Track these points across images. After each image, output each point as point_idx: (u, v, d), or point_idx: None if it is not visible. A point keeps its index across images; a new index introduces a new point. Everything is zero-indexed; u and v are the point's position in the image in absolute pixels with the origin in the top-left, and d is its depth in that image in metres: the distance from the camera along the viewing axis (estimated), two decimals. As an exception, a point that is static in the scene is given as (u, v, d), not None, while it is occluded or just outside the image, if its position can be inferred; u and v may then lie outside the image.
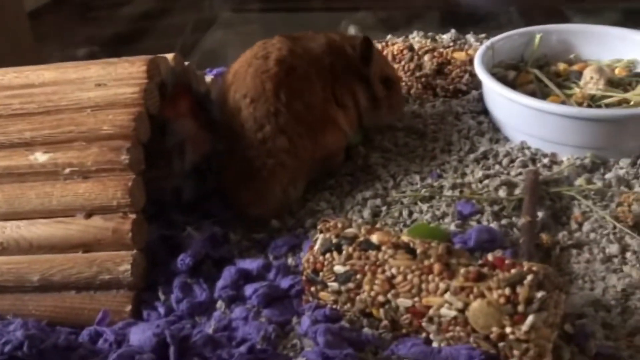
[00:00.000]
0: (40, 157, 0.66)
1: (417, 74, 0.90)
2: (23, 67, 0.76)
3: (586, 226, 0.65)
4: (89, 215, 0.64)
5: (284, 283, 0.61)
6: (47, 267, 0.63)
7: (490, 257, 0.51)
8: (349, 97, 0.77)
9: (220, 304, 0.61)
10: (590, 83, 0.82)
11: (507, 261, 0.50)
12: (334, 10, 1.40)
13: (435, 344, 0.52)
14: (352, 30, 0.83)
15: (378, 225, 0.69)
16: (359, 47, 0.78)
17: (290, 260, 0.66)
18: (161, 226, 0.70)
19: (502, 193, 0.70)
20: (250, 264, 0.64)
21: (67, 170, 0.65)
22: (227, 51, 1.29)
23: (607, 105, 0.78)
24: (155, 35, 1.43)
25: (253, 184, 0.70)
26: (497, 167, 0.75)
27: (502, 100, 0.77)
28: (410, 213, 0.70)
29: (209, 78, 0.90)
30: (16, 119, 0.69)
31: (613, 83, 0.83)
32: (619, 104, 0.78)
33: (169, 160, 0.74)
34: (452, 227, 0.66)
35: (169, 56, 0.77)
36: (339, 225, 0.58)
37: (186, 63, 0.81)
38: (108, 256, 0.63)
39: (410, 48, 0.92)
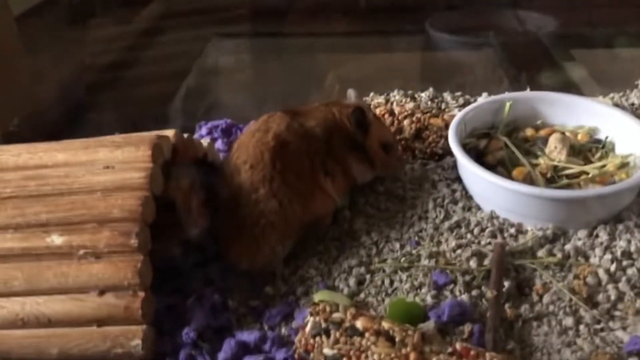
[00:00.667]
0: (56, 239, 0.72)
1: (398, 137, 0.98)
2: (36, 146, 0.83)
3: (546, 298, 0.73)
4: (102, 293, 0.71)
5: (279, 356, 0.69)
6: (65, 341, 0.70)
7: (457, 345, 0.60)
8: (339, 167, 0.86)
9: (222, 375, 0.69)
10: (554, 152, 0.90)
11: (472, 351, 0.58)
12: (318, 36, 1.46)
13: (411, 420, 0.60)
14: (351, 95, 0.91)
15: (363, 295, 0.77)
16: (352, 118, 0.87)
17: (283, 330, 0.74)
18: (166, 295, 0.77)
19: (472, 263, 0.78)
20: (248, 336, 0.71)
21: (81, 252, 0.72)
22: (217, 99, 1.36)
23: (568, 177, 0.86)
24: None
25: (245, 240, 0.79)
26: (469, 236, 0.83)
27: (472, 175, 0.85)
28: (392, 282, 0.78)
29: (205, 142, 0.97)
30: (32, 200, 0.75)
31: (575, 150, 0.91)
32: (579, 174, 0.87)
33: (173, 231, 0.80)
34: (428, 298, 0.74)
35: (170, 133, 0.84)
36: (327, 309, 0.65)
37: (185, 135, 0.89)
38: (120, 331, 0.70)
39: (391, 113, 1.00)
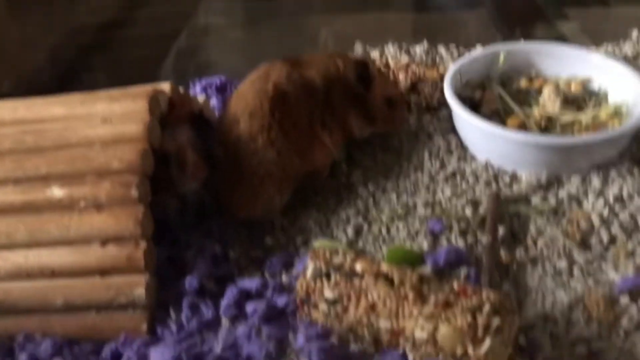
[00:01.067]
0: (57, 192, 0.73)
1: (392, 90, 0.98)
2: (33, 100, 0.83)
3: (540, 243, 0.75)
4: (104, 243, 0.72)
5: (280, 301, 0.70)
6: (69, 292, 0.71)
7: (455, 285, 0.61)
8: (337, 121, 0.86)
9: (225, 321, 0.70)
10: (548, 102, 0.91)
11: (469, 290, 0.60)
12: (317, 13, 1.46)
13: (410, 358, 0.62)
14: (358, 49, 0.91)
15: (361, 243, 0.78)
16: (356, 72, 0.86)
17: (284, 278, 0.75)
18: (167, 246, 0.78)
19: (468, 211, 0.79)
20: (250, 284, 0.73)
21: (82, 204, 0.72)
22: (212, 57, 1.35)
23: (562, 125, 0.87)
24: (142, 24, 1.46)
25: (243, 190, 0.80)
26: (464, 185, 0.84)
27: (467, 124, 0.85)
28: (388, 231, 0.79)
29: (200, 98, 0.97)
30: (31, 154, 0.76)
31: (568, 100, 0.92)
32: (572, 123, 0.88)
33: (171, 183, 0.81)
34: (425, 245, 0.76)
35: (166, 86, 0.84)
36: (327, 254, 0.67)
37: (180, 88, 0.89)
38: (123, 281, 0.71)
39: (386, 65, 1.00)
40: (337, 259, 0.66)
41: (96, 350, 0.69)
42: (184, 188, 0.81)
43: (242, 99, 0.82)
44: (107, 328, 0.71)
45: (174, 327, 0.70)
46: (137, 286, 0.71)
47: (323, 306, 0.65)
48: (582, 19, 1.33)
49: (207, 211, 0.84)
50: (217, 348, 0.65)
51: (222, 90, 1.12)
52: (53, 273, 0.72)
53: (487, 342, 0.56)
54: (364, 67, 0.87)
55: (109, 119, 0.77)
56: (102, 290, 0.71)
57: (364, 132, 0.90)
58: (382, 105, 0.89)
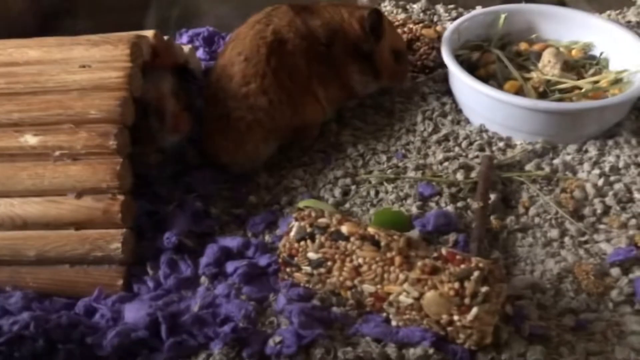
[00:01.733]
0: (30, 139, 0.69)
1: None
2: (5, 42, 0.78)
3: (532, 211, 0.73)
4: (79, 195, 0.69)
5: (262, 261, 0.68)
6: (42, 244, 0.68)
7: (443, 250, 0.59)
8: (336, 76, 0.82)
9: (204, 279, 0.68)
10: (547, 66, 0.88)
11: (457, 256, 0.58)
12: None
13: (394, 323, 0.60)
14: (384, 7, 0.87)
15: (348, 205, 0.75)
16: (367, 22, 0.81)
17: (267, 238, 0.72)
18: (146, 201, 0.75)
19: (459, 176, 0.77)
20: (231, 242, 0.70)
21: (57, 153, 0.69)
22: (200, 6, 1.29)
23: (561, 91, 0.84)
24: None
25: (229, 134, 0.77)
26: (456, 149, 0.81)
27: (463, 86, 0.82)
28: (377, 193, 0.77)
29: (186, 48, 0.93)
30: (3, 98, 0.72)
31: (568, 66, 0.89)
32: (571, 89, 0.85)
33: (151, 135, 0.77)
34: (414, 209, 0.73)
35: (149, 33, 0.80)
36: (313, 214, 0.64)
37: (165, 37, 0.84)
38: (99, 234, 0.68)
39: (382, 22, 0.96)
40: (323, 220, 0.63)
41: (69, 305, 0.66)
42: (164, 141, 0.77)
43: (240, 41, 0.79)
44: (81, 282, 0.68)
45: (150, 283, 0.68)
46: (114, 240, 0.68)
47: (306, 267, 0.62)
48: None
49: (189, 166, 0.81)
50: (195, 307, 0.62)
51: (210, 42, 1.07)
52: (25, 224, 0.69)
53: (474, 311, 0.55)
54: (376, 17, 0.82)
55: (87, 64, 0.73)
56: (77, 244, 0.68)
57: (368, 88, 0.86)
58: (389, 59, 0.84)
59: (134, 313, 0.60)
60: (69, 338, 0.58)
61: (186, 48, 0.93)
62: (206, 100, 0.80)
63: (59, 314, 0.60)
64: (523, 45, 0.93)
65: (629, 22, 1.04)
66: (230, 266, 0.68)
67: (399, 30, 0.94)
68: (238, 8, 1.24)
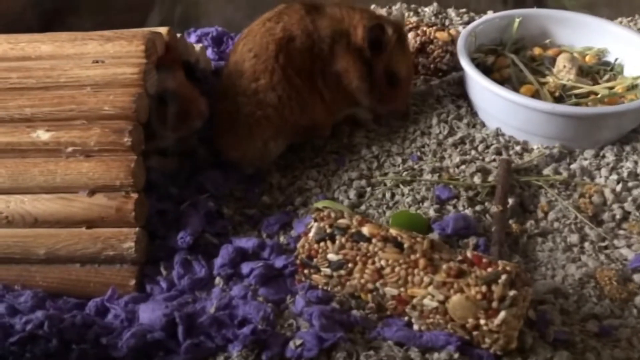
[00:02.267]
0: (42, 134, 0.68)
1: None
2: (17, 36, 0.76)
3: (551, 215, 0.72)
4: (92, 193, 0.67)
5: (278, 262, 0.67)
6: (53, 242, 0.67)
7: (469, 253, 0.58)
8: (337, 78, 0.80)
9: (218, 280, 0.66)
10: (562, 71, 0.87)
11: (484, 259, 0.57)
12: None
13: (416, 327, 0.59)
14: (395, 11, 0.84)
15: (363, 207, 0.74)
16: (368, 35, 0.79)
17: (282, 239, 0.71)
18: (158, 200, 0.73)
19: (477, 179, 0.76)
20: (246, 243, 0.69)
21: (70, 149, 0.67)
22: (208, 6, 1.28)
23: (577, 96, 0.84)
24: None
25: (239, 130, 0.77)
26: (473, 152, 0.80)
27: (480, 89, 0.81)
28: (393, 195, 0.76)
29: (197, 47, 0.92)
30: (14, 93, 0.70)
31: (583, 71, 0.89)
32: (587, 95, 0.84)
33: (151, 134, 0.75)
34: (431, 212, 0.72)
35: (163, 30, 0.79)
36: (332, 215, 0.63)
37: (178, 35, 0.83)
38: (112, 233, 0.67)
39: (395, 24, 0.95)
40: (343, 221, 0.62)
41: (80, 305, 0.64)
42: (164, 140, 0.76)
43: (251, 37, 0.78)
44: (92, 282, 0.67)
45: (164, 284, 0.66)
46: (127, 239, 0.66)
47: (325, 269, 0.61)
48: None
49: (200, 166, 0.79)
50: (211, 308, 0.61)
51: (219, 42, 1.06)
52: (36, 221, 0.67)
53: (502, 315, 0.53)
54: (378, 30, 0.79)
55: (101, 60, 0.72)
56: (89, 242, 0.66)
57: (362, 97, 0.82)
58: (381, 78, 0.81)
59: (149, 314, 0.59)
60: (83, 338, 0.56)
61: (197, 47, 0.92)
62: (217, 97, 0.79)
63: (73, 313, 0.58)
64: (537, 50, 0.92)
65: (640, 29, 1.04)
66: (245, 267, 0.66)
67: (412, 33, 0.93)
68: (242, 8, 1.23)
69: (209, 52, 1.03)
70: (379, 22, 0.80)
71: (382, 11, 1.07)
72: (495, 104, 0.81)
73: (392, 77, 0.83)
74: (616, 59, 0.89)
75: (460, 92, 0.89)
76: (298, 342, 0.57)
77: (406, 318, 0.59)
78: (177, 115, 0.75)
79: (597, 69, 0.90)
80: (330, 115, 0.82)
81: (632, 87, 0.84)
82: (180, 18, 1.22)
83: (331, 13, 0.80)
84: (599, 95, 0.83)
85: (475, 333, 0.55)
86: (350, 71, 0.80)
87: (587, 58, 0.91)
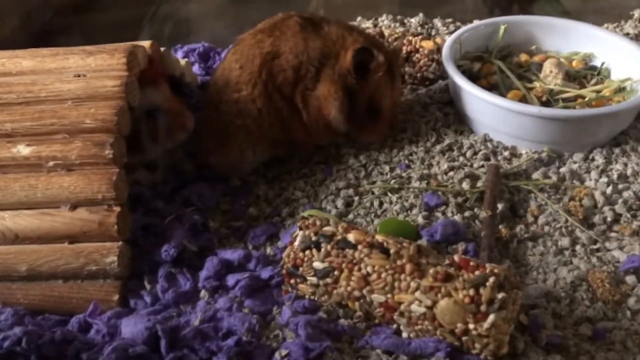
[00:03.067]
0: (23, 149, 0.67)
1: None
2: (-2, 53, 0.76)
3: (541, 219, 0.71)
4: (74, 207, 0.66)
5: (264, 274, 0.65)
6: (34, 258, 0.65)
7: (456, 257, 0.57)
8: (316, 104, 0.77)
9: (204, 293, 0.65)
10: (549, 76, 0.87)
11: (471, 262, 0.55)
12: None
13: (404, 335, 0.57)
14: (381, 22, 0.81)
15: (351, 216, 0.73)
16: (354, 57, 0.75)
17: (268, 250, 0.70)
18: (143, 214, 0.72)
19: (465, 185, 0.75)
20: (232, 255, 0.67)
21: (51, 164, 0.66)
22: (195, 23, 1.28)
23: (564, 100, 0.83)
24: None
25: (218, 136, 0.78)
26: (461, 159, 0.79)
27: (467, 96, 0.81)
28: (381, 204, 0.75)
29: (183, 61, 0.91)
30: (-5, 108, 0.70)
31: (570, 76, 0.88)
32: (575, 98, 0.83)
33: (140, 147, 0.75)
34: (420, 219, 0.71)
35: (146, 44, 0.78)
36: (318, 223, 0.62)
37: (162, 49, 0.83)
38: (94, 248, 0.65)
39: (381, 35, 0.95)
40: (328, 229, 0.61)
41: (62, 322, 0.63)
42: (152, 154, 0.76)
43: (240, 47, 0.78)
44: (74, 298, 0.65)
45: (148, 298, 0.65)
46: (109, 254, 0.65)
47: (312, 278, 0.60)
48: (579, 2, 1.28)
49: (186, 180, 0.78)
50: (195, 321, 0.59)
51: (205, 57, 1.06)
52: (17, 237, 0.66)
53: (491, 318, 0.52)
54: (365, 54, 0.75)
55: (82, 74, 0.71)
56: (71, 257, 0.65)
57: (339, 124, 0.78)
58: (362, 109, 0.78)
59: (131, 327, 0.57)
60: (63, 354, 0.55)
61: (182, 61, 0.91)
62: (203, 103, 0.80)
63: (53, 330, 0.57)
64: (523, 57, 0.92)
65: (627, 34, 1.04)
66: (231, 279, 0.65)
67: (398, 42, 0.93)
68: (230, 25, 1.24)
69: (196, 68, 1.03)
70: (368, 46, 0.76)
71: (369, 23, 1.07)
72: (482, 110, 0.80)
73: (374, 109, 0.79)
74: (603, 63, 0.89)
75: (447, 100, 0.89)
76: (284, 352, 0.55)
77: (394, 325, 0.58)
78: (163, 129, 0.75)
79: (584, 73, 0.89)
80: (309, 137, 0.80)
81: (619, 90, 0.84)
82: (170, 36, 1.22)
83: (327, 33, 0.77)
84: (586, 99, 0.83)
85: (464, 338, 0.54)
86: (330, 99, 0.76)
87: (574, 63, 0.91)
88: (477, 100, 0.80)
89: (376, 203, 0.75)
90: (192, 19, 1.29)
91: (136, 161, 0.74)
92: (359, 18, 1.08)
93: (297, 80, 0.77)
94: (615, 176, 0.75)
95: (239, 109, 0.76)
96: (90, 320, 0.61)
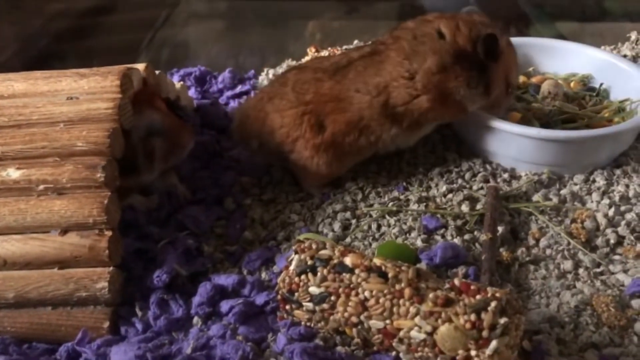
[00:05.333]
0: (13, 173, 0.66)
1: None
2: (-10, 76, 0.75)
3: (543, 242, 0.69)
4: (64, 232, 0.64)
5: (259, 299, 0.63)
6: (23, 285, 0.63)
7: (456, 281, 0.55)
8: None
9: (196, 320, 0.63)
10: (548, 98, 0.86)
11: (472, 287, 0.54)
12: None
13: (404, 362, 0.55)
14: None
15: (348, 239, 0.72)
16: (481, 46, 0.73)
17: (264, 275, 0.68)
18: (135, 238, 0.71)
19: (464, 208, 0.73)
20: (226, 280, 0.66)
21: (41, 187, 0.65)
22: (192, 48, 1.28)
23: (563, 121, 0.82)
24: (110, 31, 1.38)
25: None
26: (460, 181, 0.78)
27: (466, 118, 0.80)
28: (379, 227, 0.73)
29: (178, 84, 0.91)
30: (-15, 132, 0.68)
31: (569, 98, 0.88)
32: (573, 119, 0.83)
33: (135, 171, 0.74)
34: (418, 242, 0.70)
35: (140, 66, 0.77)
36: (314, 246, 0.60)
37: (157, 72, 0.82)
38: (85, 273, 0.64)
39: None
40: (325, 252, 0.59)
41: (50, 351, 0.61)
42: (147, 178, 0.74)
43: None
44: (63, 326, 0.63)
45: (139, 325, 0.63)
46: (100, 279, 0.63)
47: (307, 304, 0.58)
48: (578, 17, 1.28)
49: (180, 204, 0.77)
50: (187, 349, 0.57)
51: (202, 81, 1.06)
52: (5, 263, 0.64)
53: (493, 344, 0.50)
54: (492, 40, 0.73)
55: (75, 96, 0.70)
56: (61, 283, 0.63)
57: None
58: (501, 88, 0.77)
59: (121, 356, 0.55)
60: (48, 384, 0.53)
61: (178, 84, 0.91)
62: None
63: (39, 359, 0.55)
64: (521, 78, 0.91)
65: (624, 56, 1.03)
66: (225, 305, 0.63)
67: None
68: (226, 49, 1.23)
69: (192, 92, 1.02)
70: (492, 31, 0.74)
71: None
72: (480, 131, 0.79)
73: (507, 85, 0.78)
74: (601, 84, 0.88)
75: (445, 123, 0.87)
76: (279, 381, 0.53)
77: (394, 353, 0.56)
78: (165, 147, 0.74)
79: (582, 94, 0.89)
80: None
81: (619, 111, 0.83)
82: (167, 60, 1.22)
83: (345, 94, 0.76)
84: (585, 120, 0.82)
85: (466, 365, 0.52)
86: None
87: (572, 84, 0.90)
88: (474, 123, 0.78)
89: (374, 226, 0.73)
90: (189, 43, 1.29)
91: (131, 184, 0.73)
92: (355, 41, 1.08)
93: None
94: (617, 198, 0.74)
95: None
96: (78, 348, 0.59)
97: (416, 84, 0.73)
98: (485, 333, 0.50)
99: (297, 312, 0.59)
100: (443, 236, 0.71)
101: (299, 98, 0.76)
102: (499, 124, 0.76)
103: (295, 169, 0.78)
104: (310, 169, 0.76)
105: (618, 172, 0.78)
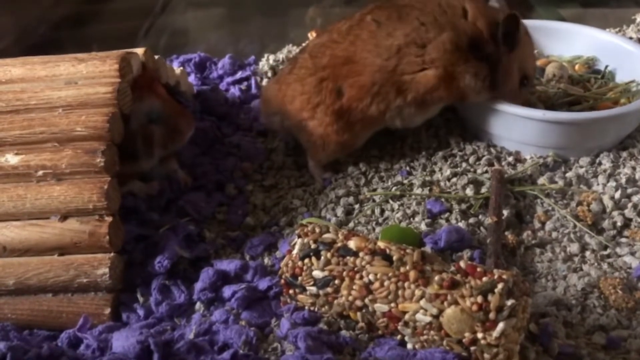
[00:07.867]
0: (11, 158, 0.65)
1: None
2: (-12, 62, 0.74)
3: (548, 225, 0.69)
4: (64, 218, 0.64)
5: (262, 284, 0.63)
6: (23, 271, 0.63)
7: (462, 263, 0.54)
8: None
9: (199, 305, 0.62)
10: (552, 80, 0.85)
11: (478, 269, 0.53)
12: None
13: (409, 346, 0.55)
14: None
15: (352, 224, 0.71)
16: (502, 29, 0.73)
17: (266, 260, 0.67)
18: (135, 225, 0.70)
19: (469, 191, 0.72)
20: (228, 265, 0.65)
21: (40, 173, 0.64)
22: (192, 34, 1.27)
23: (569, 104, 0.81)
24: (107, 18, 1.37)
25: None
26: (464, 164, 0.77)
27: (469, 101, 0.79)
28: (382, 211, 0.72)
29: (178, 70, 0.90)
30: (-18, 117, 0.68)
31: (574, 80, 0.86)
32: (578, 102, 0.81)
33: (135, 157, 0.73)
34: (423, 226, 0.69)
35: (140, 51, 0.76)
36: (317, 230, 0.59)
37: (156, 57, 0.81)
38: (85, 259, 0.63)
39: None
40: (328, 236, 0.58)
41: (51, 337, 0.60)
42: (146, 166, 0.73)
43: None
44: (64, 313, 0.63)
45: (141, 312, 0.62)
46: (101, 265, 0.62)
47: (311, 288, 0.57)
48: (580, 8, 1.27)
49: (181, 190, 0.76)
50: (190, 334, 0.57)
51: (201, 67, 1.04)
52: (4, 250, 0.63)
53: (500, 326, 0.49)
54: (513, 23, 0.74)
55: (73, 81, 0.69)
56: (61, 270, 0.63)
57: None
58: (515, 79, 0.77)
59: (122, 342, 0.55)
60: (50, 370, 0.52)
61: (177, 70, 0.90)
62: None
63: (40, 345, 0.54)
64: (525, 61, 0.90)
65: (629, 39, 1.02)
66: (227, 291, 0.62)
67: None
68: (227, 36, 1.22)
69: (192, 78, 1.01)
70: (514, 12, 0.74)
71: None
72: (484, 114, 0.78)
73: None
74: (606, 67, 0.87)
75: (448, 106, 0.86)
76: (283, 366, 0.53)
77: (399, 336, 0.55)
78: (165, 133, 0.73)
79: (587, 77, 0.87)
80: None
81: (624, 92, 0.82)
82: (167, 47, 1.20)
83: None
84: (590, 102, 0.81)
85: (473, 348, 0.51)
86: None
87: (577, 67, 0.89)
88: (479, 106, 0.77)
89: (377, 211, 0.72)
90: (188, 30, 1.28)
91: (131, 170, 0.72)
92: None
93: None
94: (623, 180, 0.73)
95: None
96: (80, 335, 0.58)
97: (425, 55, 0.72)
98: (492, 315, 0.50)
99: (300, 296, 0.59)
100: (447, 220, 0.70)
101: (316, 63, 0.75)
102: (503, 107, 0.75)
103: (311, 140, 0.76)
104: (329, 138, 0.75)
105: (624, 154, 0.77)
